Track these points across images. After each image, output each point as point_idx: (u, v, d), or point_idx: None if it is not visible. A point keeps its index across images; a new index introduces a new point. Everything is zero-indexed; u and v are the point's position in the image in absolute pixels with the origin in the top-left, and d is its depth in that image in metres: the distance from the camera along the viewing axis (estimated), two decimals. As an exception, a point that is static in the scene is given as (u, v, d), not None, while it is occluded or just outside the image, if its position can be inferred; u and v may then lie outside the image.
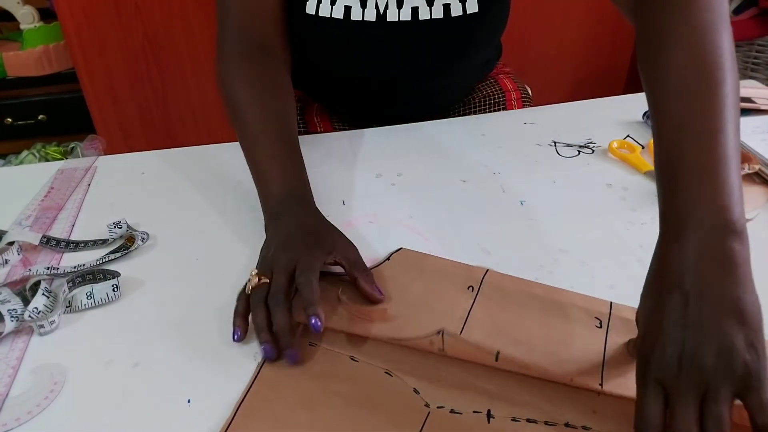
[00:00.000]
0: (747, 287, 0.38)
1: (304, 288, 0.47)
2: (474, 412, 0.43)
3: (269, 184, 0.59)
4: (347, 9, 0.69)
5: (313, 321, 0.46)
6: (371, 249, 0.58)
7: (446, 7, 0.69)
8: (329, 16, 0.69)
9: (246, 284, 0.50)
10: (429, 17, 0.70)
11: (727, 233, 0.39)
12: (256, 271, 0.50)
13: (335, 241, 0.54)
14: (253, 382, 0.45)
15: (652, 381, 0.38)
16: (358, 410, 0.43)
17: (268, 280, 0.49)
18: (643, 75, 0.49)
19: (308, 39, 0.73)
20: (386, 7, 0.69)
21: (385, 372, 0.46)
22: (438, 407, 0.43)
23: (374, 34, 0.71)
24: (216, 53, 0.68)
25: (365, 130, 0.81)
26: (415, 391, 0.44)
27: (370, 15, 0.70)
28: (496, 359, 0.45)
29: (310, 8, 0.69)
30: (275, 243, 0.52)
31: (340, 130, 0.88)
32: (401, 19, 0.70)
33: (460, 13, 0.70)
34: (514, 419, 0.42)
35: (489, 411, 0.43)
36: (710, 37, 0.46)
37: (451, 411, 0.43)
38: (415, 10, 0.69)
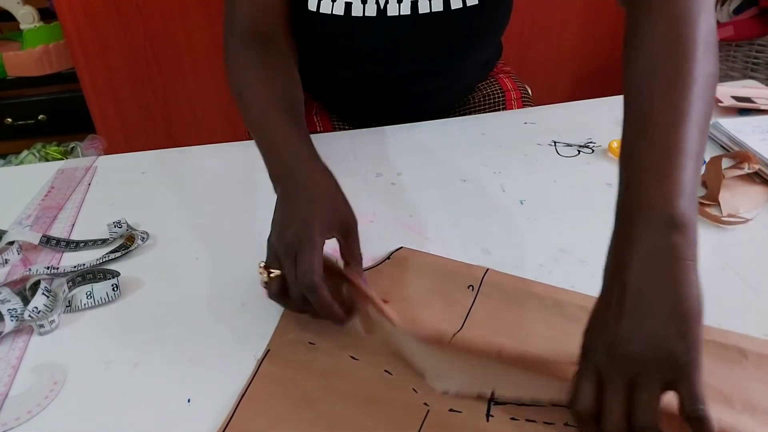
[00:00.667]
0: (686, 282, 0.38)
1: (316, 304, 0.46)
2: (477, 397, 0.43)
3: (274, 147, 0.56)
4: (348, 5, 0.69)
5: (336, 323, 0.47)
6: (371, 248, 0.58)
7: (446, 0, 0.69)
8: (330, 12, 0.69)
9: (261, 281, 0.49)
10: (429, 10, 0.70)
11: (671, 228, 0.39)
12: (263, 263, 0.49)
13: (335, 211, 0.51)
14: (252, 380, 0.45)
15: (587, 365, 0.39)
16: (357, 409, 0.43)
17: (277, 272, 0.48)
18: (623, 68, 0.49)
19: (309, 37, 0.73)
20: (386, 2, 0.69)
21: (385, 371, 0.46)
22: (442, 393, 0.44)
23: (375, 30, 0.71)
24: (223, 47, 0.68)
25: (365, 129, 0.81)
26: (415, 390, 0.45)
27: (371, 10, 0.70)
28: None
29: (312, 5, 0.69)
30: (275, 225, 0.51)
31: (341, 129, 0.88)
32: (401, 13, 0.70)
33: (460, 5, 0.70)
34: (513, 418, 0.42)
35: (489, 405, 0.43)
36: (685, 26, 0.46)
37: (450, 410, 0.43)
38: (414, 4, 0.70)
